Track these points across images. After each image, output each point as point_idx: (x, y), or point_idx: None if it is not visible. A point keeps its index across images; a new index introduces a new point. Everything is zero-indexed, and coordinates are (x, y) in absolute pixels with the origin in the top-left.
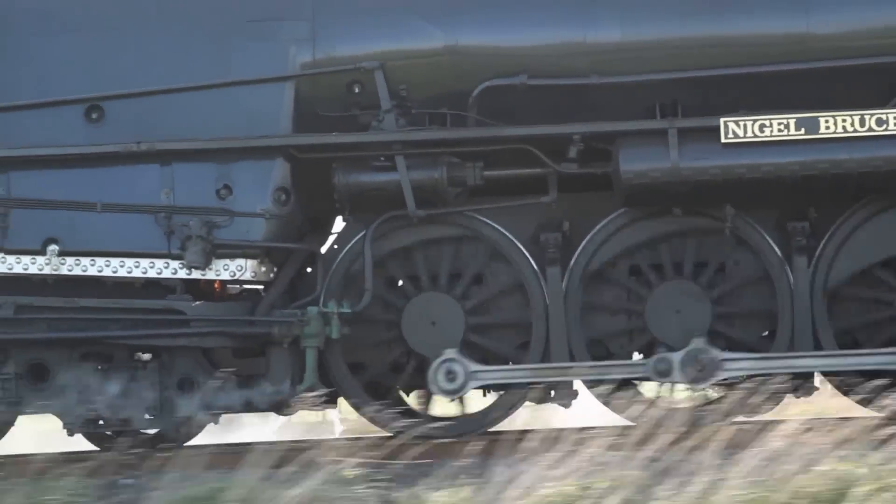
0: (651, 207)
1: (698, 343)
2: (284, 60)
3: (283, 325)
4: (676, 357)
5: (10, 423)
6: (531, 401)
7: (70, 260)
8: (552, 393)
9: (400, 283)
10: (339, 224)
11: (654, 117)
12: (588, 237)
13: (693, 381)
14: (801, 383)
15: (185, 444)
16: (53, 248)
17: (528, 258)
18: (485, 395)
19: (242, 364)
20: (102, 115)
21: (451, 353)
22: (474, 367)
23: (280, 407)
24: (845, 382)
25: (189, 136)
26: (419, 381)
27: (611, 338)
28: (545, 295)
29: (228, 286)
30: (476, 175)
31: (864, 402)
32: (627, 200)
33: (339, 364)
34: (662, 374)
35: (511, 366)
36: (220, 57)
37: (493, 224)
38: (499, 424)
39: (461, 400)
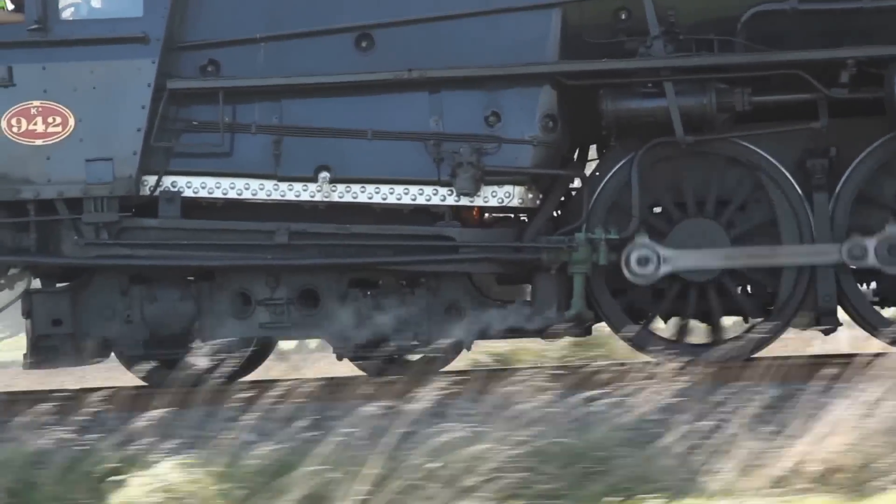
0: None
1: (893, 229)
2: None
3: (551, 252)
4: (871, 242)
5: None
6: (796, 327)
7: (340, 187)
8: (818, 320)
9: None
10: (594, 153)
11: None
12: (856, 162)
13: (888, 264)
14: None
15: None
16: (325, 175)
17: (793, 184)
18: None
19: (504, 291)
20: (372, 44)
21: (643, 238)
22: (667, 252)
23: (546, 332)
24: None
25: (456, 64)
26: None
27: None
28: (811, 221)
29: (486, 214)
30: (745, 100)
31: None
32: None
33: (602, 290)
34: (856, 259)
35: (704, 250)
36: None
37: (759, 150)
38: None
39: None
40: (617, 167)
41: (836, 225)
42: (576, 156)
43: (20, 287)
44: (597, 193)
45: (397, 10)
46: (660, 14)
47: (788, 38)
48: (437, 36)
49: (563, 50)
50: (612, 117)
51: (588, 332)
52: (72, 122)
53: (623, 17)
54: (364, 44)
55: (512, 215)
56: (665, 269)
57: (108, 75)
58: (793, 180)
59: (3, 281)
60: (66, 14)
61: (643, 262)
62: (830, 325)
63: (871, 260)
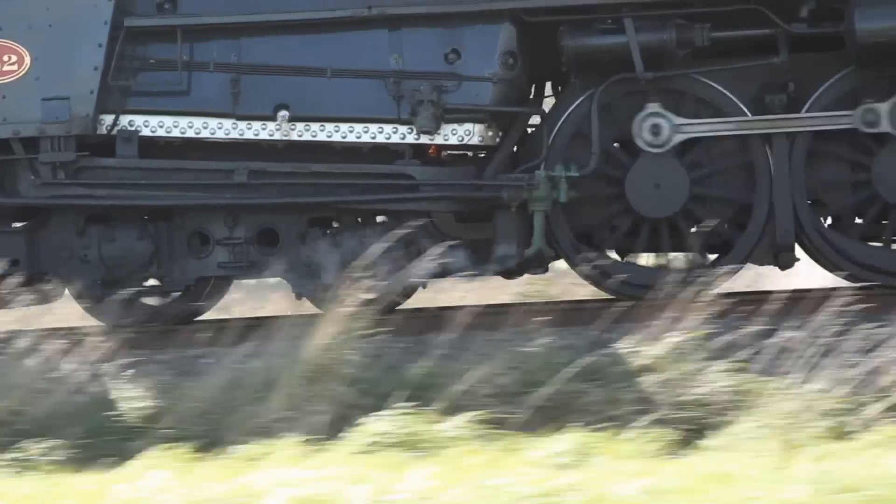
0: (884, 66)
1: None
2: None
3: (512, 189)
4: (884, 107)
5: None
6: (754, 263)
7: (300, 125)
8: (776, 257)
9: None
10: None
11: None
12: (815, 96)
13: None
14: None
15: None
16: (284, 113)
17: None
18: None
19: (463, 230)
20: None
21: (654, 106)
22: (679, 120)
23: (507, 270)
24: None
25: (416, 1)
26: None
27: (833, 195)
28: (770, 157)
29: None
30: (704, 36)
31: None
32: (861, 60)
33: (562, 227)
34: (870, 125)
35: (716, 118)
36: None
37: (717, 86)
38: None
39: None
40: (576, 103)
41: (795, 161)
42: (532, 92)
43: None
44: (556, 130)
45: None
46: None
47: None
48: None
49: None
50: (572, 54)
51: (545, 270)
52: (27, 60)
53: None
54: None
55: (470, 153)
56: (679, 138)
57: (65, 13)
58: (749, 115)
59: None
60: None
61: (656, 130)
62: (788, 262)
63: (885, 125)
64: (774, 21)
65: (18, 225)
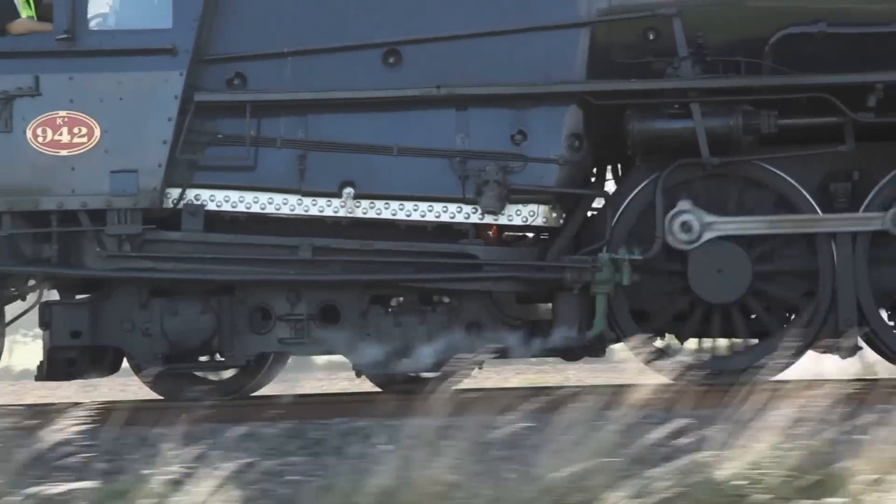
0: None
1: None
2: (581, 7)
3: (574, 271)
4: None
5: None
6: (816, 349)
7: (365, 203)
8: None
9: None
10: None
11: None
12: (879, 185)
13: None
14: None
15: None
16: (349, 190)
17: (815, 208)
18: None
19: (523, 310)
20: (400, 60)
21: (685, 204)
22: (710, 217)
23: (567, 352)
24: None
25: (483, 82)
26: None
27: None
28: (833, 244)
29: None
30: (771, 123)
31: None
32: None
33: (624, 311)
34: None
35: (747, 217)
36: (518, 2)
37: (781, 173)
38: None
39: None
40: (641, 187)
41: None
42: (594, 175)
43: (32, 298)
44: (619, 213)
45: (426, 27)
46: (688, 35)
47: (815, 61)
48: (465, 53)
49: (590, 69)
50: (638, 137)
51: (603, 353)
52: (97, 132)
53: (651, 37)
54: (392, 59)
55: (531, 234)
56: (708, 235)
57: (136, 86)
58: (814, 203)
59: (16, 291)
60: (95, 24)
61: (686, 227)
62: (850, 350)
63: None
64: (841, 109)
65: (81, 297)
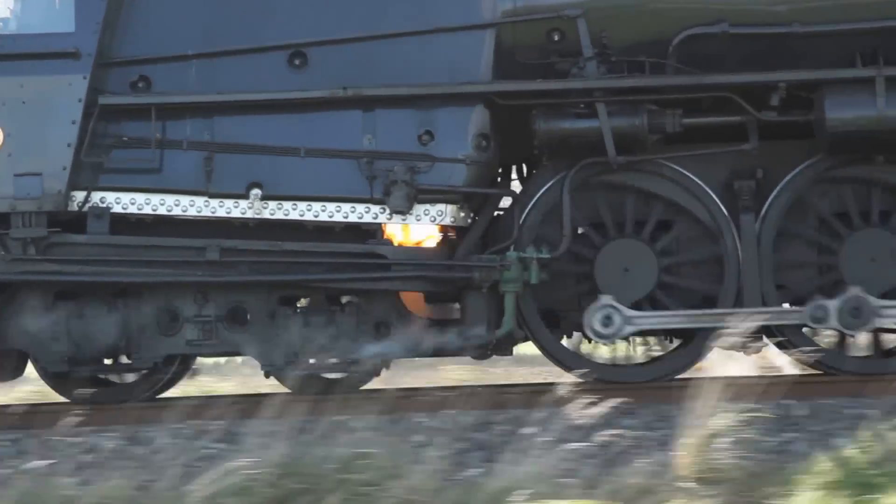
0: (849, 155)
1: (855, 291)
2: (486, 8)
3: (483, 270)
4: (833, 304)
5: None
6: (721, 347)
7: (272, 204)
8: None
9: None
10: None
11: (853, 66)
12: (782, 184)
13: (849, 327)
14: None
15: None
16: (256, 192)
17: (719, 205)
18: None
19: (431, 310)
20: (305, 62)
21: (607, 298)
22: (630, 312)
23: (475, 351)
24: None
25: (389, 83)
26: None
27: (800, 284)
28: (738, 242)
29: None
30: (675, 122)
31: None
32: (830, 148)
33: (532, 309)
34: (818, 321)
35: (666, 311)
36: (423, 4)
37: (685, 171)
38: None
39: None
40: (547, 186)
41: (763, 246)
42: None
43: None
44: (527, 212)
45: (331, 29)
46: (593, 36)
47: (718, 62)
48: (370, 54)
49: (496, 70)
50: (544, 137)
51: (511, 352)
52: (0, 136)
53: (556, 38)
54: (297, 61)
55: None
56: (629, 329)
57: (39, 90)
58: (719, 202)
59: None
60: None
61: (606, 321)
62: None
63: (834, 322)
64: (745, 108)
65: None
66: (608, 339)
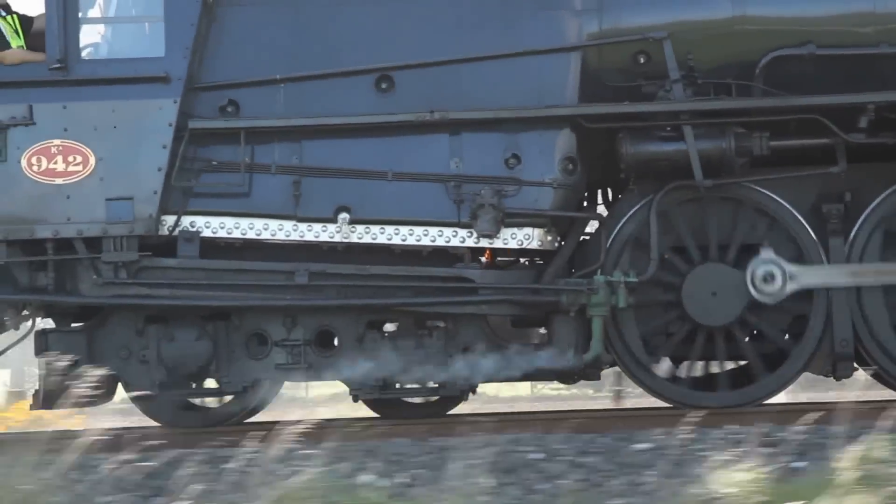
0: None
1: None
2: (572, 31)
3: (571, 294)
4: None
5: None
6: (812, 371)
7: (360, 228)
8: (834, 366)
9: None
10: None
11: None
12: (871, 207)
13: None
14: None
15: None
16: (344, 216)
17: (807, 229)
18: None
19: (517, 334)
20: (392, 85)
21: (768, 253)
22: (793, 267)
23: (563, 375)
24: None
25: (476, 106)
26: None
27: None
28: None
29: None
30: (763, 145)
31: None
32: None
33: (619, 333)
34: None
35: (832, 265)
36: (509, 27)
37: (772, 195)
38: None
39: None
40: (634, 209)
41: None
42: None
43: (25, 327)
44: (614, 235)
45: (418, 53)
46: (679, 58)
47: (805, 83)
48: (457, 78)
49: (581, 93)
50: (631, 160)
51: (598, 376)
52: (92, 161)
53: (642, 60)
54: (384, 85)
55: (527, 258)
56: (791, 287)
57: (130, 114)
58: (807, 225)
59: (8, 319)
60: (87, 53)
61: (769, 278)
62: (846, 371)
63: None
64: (833, 131)
65: (77, 325)
66: (772, 297)
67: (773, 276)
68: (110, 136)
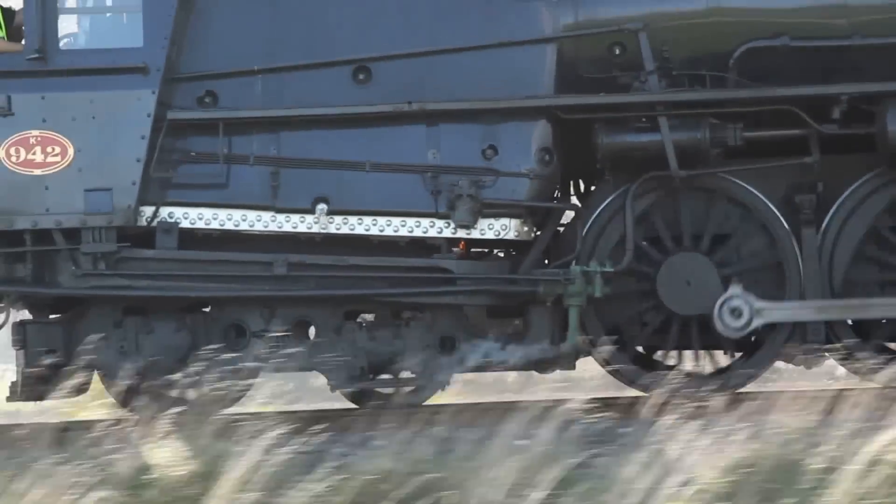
0: None
1: None
2: (548, 22)
3: (548, 284)
4: None
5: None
6: (784, 361)
7: (338, 219)
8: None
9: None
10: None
11: None
12: (843, 197)
13: None
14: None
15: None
16: (322, 206)
17: (780, 219)
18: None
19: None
20: (370, 76)
21: (735, 289)
22: (760, 303)
23: (540, 365)
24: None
25: (453, 98)
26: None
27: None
28: (799, 256)
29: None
30: (737, 136)
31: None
32: (892, 160)
33: (593, 322)
34: None
35: (797, 301)
36: (485, 18)
37: (746, 185)
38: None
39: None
40: (609, 200)
41: (823, 259)
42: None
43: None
44: (589, 226)
45: (395, 44)
46: (654, 49)
47: (779, 75)
48: (434, 69)
49: (558, 84)
50: (606, 151)
51: (573, 365)
52: (71, 151)
53: (617, 52)
54: (362, 76)
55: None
56: (758, 322)
57: (108, 105)
58: (780, 215)
59: None
60: (65, 44)
61: (736, 313)
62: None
63: None
64: (806, 122)
65: (55, 316)
66: (739, 331)
67: (741, 311)
68: (89, 126)
